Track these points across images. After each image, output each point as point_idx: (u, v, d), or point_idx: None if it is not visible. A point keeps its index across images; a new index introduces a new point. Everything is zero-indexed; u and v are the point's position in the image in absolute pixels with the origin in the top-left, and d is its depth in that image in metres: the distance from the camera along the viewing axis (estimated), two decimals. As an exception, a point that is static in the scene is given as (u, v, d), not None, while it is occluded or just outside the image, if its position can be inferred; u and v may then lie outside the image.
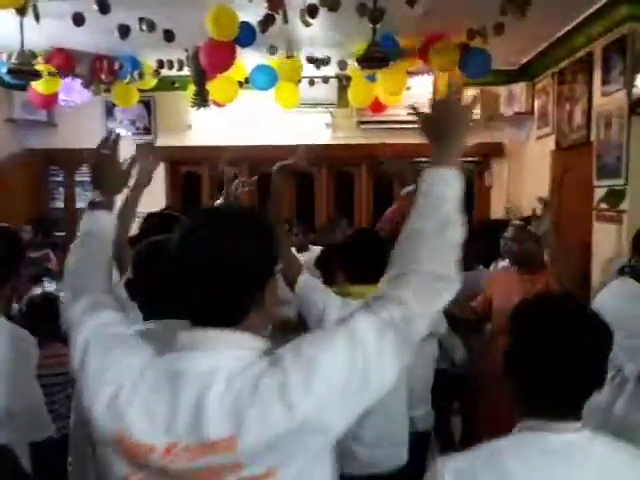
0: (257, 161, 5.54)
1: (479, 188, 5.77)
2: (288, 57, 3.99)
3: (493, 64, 4.13)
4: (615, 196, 3.70)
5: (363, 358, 0.88)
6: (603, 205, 3.83)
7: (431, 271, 0.97)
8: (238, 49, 3.67)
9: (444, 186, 1.06)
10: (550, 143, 4.70)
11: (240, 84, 4.50)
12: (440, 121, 1.13)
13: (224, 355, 0.91)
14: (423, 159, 5.58)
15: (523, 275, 2.83)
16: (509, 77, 5.18)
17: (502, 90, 5.17)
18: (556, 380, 1.04)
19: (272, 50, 3.87)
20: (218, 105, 4.63)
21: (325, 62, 4.10)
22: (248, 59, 4.27)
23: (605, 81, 3.76)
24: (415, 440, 2.13)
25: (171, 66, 4.45)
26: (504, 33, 3.53)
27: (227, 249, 0.92)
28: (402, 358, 0.93)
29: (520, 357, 1.08)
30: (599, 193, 3.88)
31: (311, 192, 5.78)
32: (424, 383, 2.39)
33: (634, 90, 3.46)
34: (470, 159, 5.65)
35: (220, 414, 0.85)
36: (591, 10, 3.69)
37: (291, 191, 5.73)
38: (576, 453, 1.01)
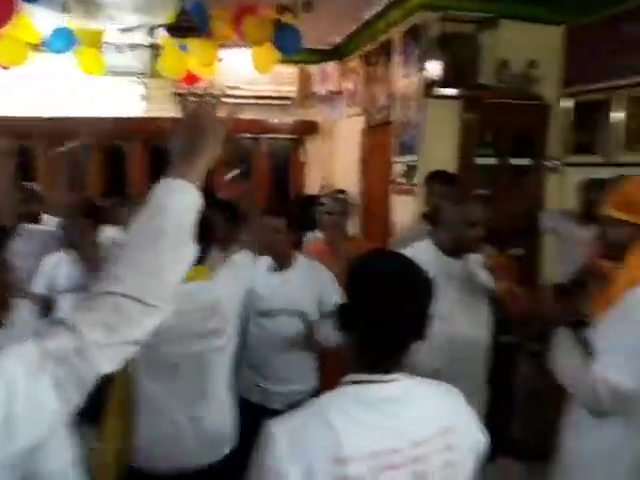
0: (62, 133, 5.02)
1: (295, 164, 5.94)
2: (86, 18, 3.61)
3: (307, 43, 4.23)
4: (410, 171, 4.07)
5: (7, 395, 0.75)
6: (401, 180, 4.19)
7: (128, 292, 0.84)
8: (31, 9, 3.23)
9: (167, 196, 0.92)
10: (360, 122, 4.98)
11: (32, 47, 3.99)
12: (189, 132, 1.02)
13: None
14: (242, 135, 5.57)
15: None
16: (321, 56, 5.37)
17: (316, 69, 5.32)
18: (377, 332, 1.05)
19: (66, 8, 3.47)
20: (4, 68, 4.07)
21: (132, 28, 3.80)
22: (45, 21, 3.80)
23: (403, 65, 4.07)
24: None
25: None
26: (313, 11, 3.63)
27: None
28: (68, 396, 0.79)
29: (348, 311, 1.09)
30: (398, 169, 4.23)
31: (123, 167, 5.40)
32: None
33: (427, 74, 3.81)
34: (286, 136, 5.79)
35: None
36: (389, -3, 3.97)
37: (101, 166, 5.31)
38: (393, 403, 1.04)
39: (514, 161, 4.15)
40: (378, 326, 1.05)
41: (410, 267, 1.10)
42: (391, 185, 4.29)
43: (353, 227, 3.05)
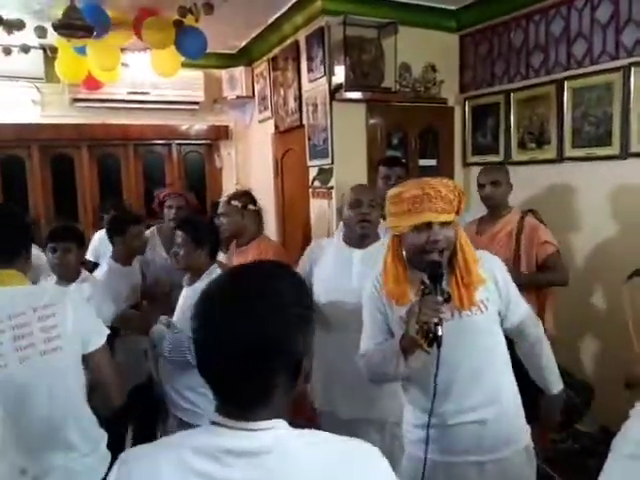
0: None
1: (210, 170, 5.83)
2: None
3: (212, 47, 4.15)
4: (325, 175, 4.10)
5: None
6: (317, 183, 4.21)
7: None
8: None
9: None
10: (270, 126, 4.97)
11: None
12: None
13: None
14: (142, 141, 5.39)
15: (240, 247, 2.95)
16: (229, 61, 5.31)
17: (223, 74, 5.25)
18: (213, 367, 0.90)
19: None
20: None
21: (17, 25, 3.55)
22: None
23: (310, 69, 4.10)
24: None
25: None
26: (216, 14, 3.57)
27: None
28: None
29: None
30: (313, 172, 4.26)
31: (23, 178, 5.06)
32: None
33: (333, 78, 3.86)
34: (200, 142, 5.67)
35: None
36: (293, 0, 3.97)
37: (-4, 178, 4.95)
38: (254, 457, 0.84)
39: (422, 162, 4.29)
40: (211, 360, 0.88)
41: (264, 284, 0.89)
42: (310, 189, 4.30)
43: (257, 229, 2.99)
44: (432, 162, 4.34)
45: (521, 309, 1.78)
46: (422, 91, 4.11)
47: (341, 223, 2.46)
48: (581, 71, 3.40)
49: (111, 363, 1.77)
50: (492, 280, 1.70)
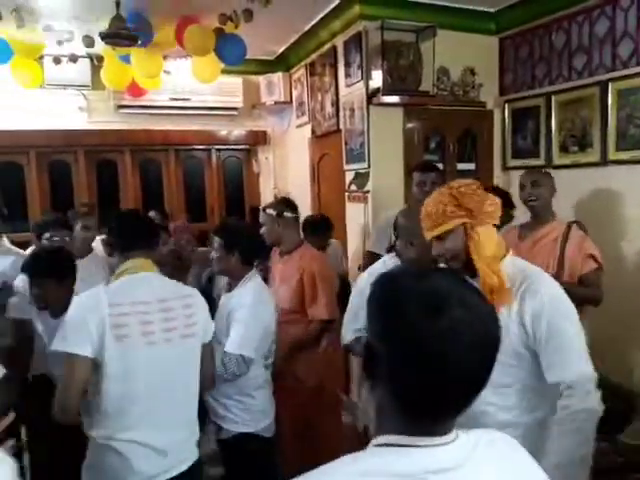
0: (6, 146, 4.86)
1: (248, 175, 5.90)
2: (18, 27, 3.49)
3: (251, 53, 4.22)
4: (361, 179, 4.11)
5: None
6: (353, 187, 4.22)
7: None
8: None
9: None
10: (307, 131, 5.01)
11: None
12: None
13: None
14: (183, 147, 5.52)
15: (284, 255, 2.93)
16: (267, 67, 5.38)
17: (261, 79, 5.32)
18: (433, 383, 0.73)
19: (-4, 17, 3.36)
20: None
21: (67, 37, 3.70)
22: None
23: (347, 74, 4.12)
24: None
25: None
26: (255, 21, 3.62)
27: None
28: None
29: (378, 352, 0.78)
30: (349, 176, 4.27)
31: (69, 182, 5.24)
32: None
33: (370, 82, 3.87)
34: (238, 147, 5.76)
35: None
36: (331, 6, 4.01)
37: (45, 183, 5.15)
38: (445, 474, 0.73)
39: (460, 166, 4.24)
40: (434, 376, 0.72)
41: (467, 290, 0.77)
42: (346, 193, 4.32)
43: (298, 236, 2.97)
44: (470, 166, 4.30)
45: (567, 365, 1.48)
46: (460, 94, 4.07)
47: (388, 255, 2.35)
48: (626, 72, 3.31)
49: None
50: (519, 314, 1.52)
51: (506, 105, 4.20)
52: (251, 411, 2.23)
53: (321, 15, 4.19)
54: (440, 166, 4.09)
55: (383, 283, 0.79)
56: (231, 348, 2.12)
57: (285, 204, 2.92)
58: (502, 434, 0.86)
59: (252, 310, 2.18)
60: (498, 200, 1.60)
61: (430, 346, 0.70)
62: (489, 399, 1.51)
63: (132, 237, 1.86)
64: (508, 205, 3.16)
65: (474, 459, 0.75)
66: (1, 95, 4.56)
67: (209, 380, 1.97)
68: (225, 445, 2.27)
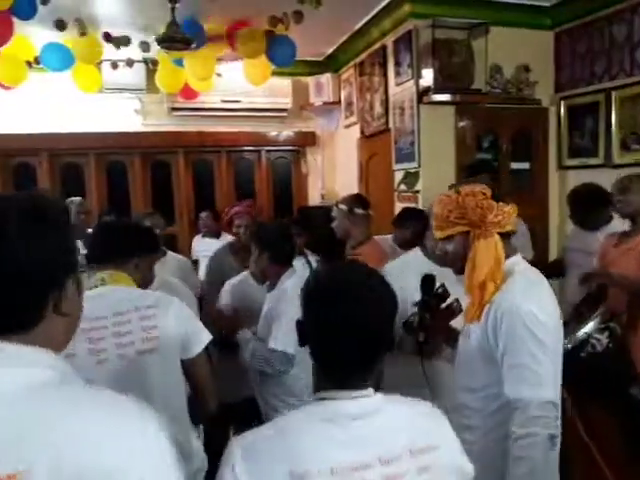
0: (59, 150, 5.10)
1: (296, 176, 5.95)
2: (81, 35, 3.64)
3: (300, 55, 4.25)
4: (411, 178, 4.07)
5: None
6: (402, 187, 4.19)
7: None
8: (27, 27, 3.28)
9: None
10: (356, 131, 5.00)
11: (30, 65, 4.04)
12: None
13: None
14: (234, 148, 5.61)
15: (354, 250, 2.95)
16: (316, 68, 5.41)
17: (310, 80, 5.35)
18: (344, 348, 1.02)
19: (59, 25, 3.51)
20: (5, 88, 4.12)
21: (124, 42, 3.83)
22: (36, 36, 3.87)
23: (397, 73, 4.09)
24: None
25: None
26: (304, 22, 3.65)
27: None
28: None
29: (304, 327, 1.07)
30: (398, 176, 4.24)
31: (125, 183, 5.43)
32: None
33: (420, 81, 3.83)
34: (287, 148, 5.81)
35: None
36: (381, 5, 3.98)
37: (103, 183, 5.35)
38: (360, 419, 0.99)
39: (514, 165, 4.14)
40: (333, 343, 1.03)
41: (367, 278, 1.08)
42: (395, 192, 4.29)
43: (366, 233, 2.99)
44: (525, 165, 4.19)
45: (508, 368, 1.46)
46: (514, 92, 3.97)
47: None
48: (694, 65, 3.15)
49: (209, 370, 1.76)
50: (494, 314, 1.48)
51: (562, 102, 4.06)
52: None
53: (371, 15, 4.18)
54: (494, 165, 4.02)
55: (309, 279, 1.12)
56: (274, 344, 2.16)
57: (357, 201, 3.03)
58: (434, 408, 1.10)
59: (289, 307, 2.12)
60: (508, 208, 1.51)
61: (327, 327, 1.02)
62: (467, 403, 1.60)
63: (100, 250, 1.78)
64: (603, 204, 3.04)
65: (386, 411, 1.02)
66: (62, 100, 4.77)
67: (207, 399, 1.73)
68: None
